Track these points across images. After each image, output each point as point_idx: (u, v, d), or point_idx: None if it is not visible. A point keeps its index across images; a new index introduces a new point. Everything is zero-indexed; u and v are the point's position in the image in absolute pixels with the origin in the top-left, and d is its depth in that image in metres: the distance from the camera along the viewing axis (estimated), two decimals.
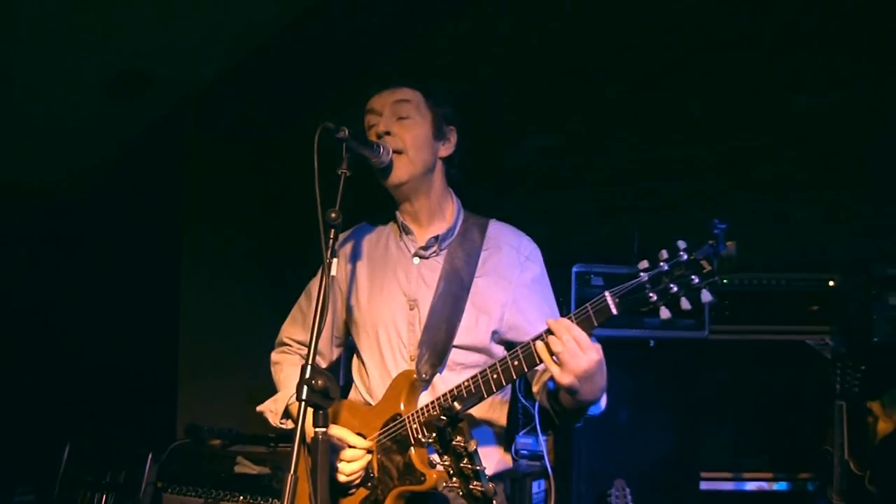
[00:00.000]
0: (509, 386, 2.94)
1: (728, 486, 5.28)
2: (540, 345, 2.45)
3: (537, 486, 4.89)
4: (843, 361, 4.81)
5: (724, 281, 5.21)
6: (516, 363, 2.53)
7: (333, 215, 2.47)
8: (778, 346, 5.23)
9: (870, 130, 5.65)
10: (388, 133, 2.87)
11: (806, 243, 5.76)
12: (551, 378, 2.50)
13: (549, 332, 2.42)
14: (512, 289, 2.95)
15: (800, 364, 5.18)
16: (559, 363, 2.40)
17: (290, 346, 3.25)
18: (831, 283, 5.25)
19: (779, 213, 5.89)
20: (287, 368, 3.17)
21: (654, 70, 6.22)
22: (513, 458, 3.10)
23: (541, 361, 2.47)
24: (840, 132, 5.73)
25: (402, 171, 2.89)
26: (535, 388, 2.95)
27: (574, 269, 4.91)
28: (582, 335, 2.38)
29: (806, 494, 5.12)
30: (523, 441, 5.07)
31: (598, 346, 2.42)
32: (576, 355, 2.37)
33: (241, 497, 4.59)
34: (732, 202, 5.96)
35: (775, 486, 5.26)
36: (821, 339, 5.10)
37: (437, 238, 2.98)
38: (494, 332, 2.91)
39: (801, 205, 5.85)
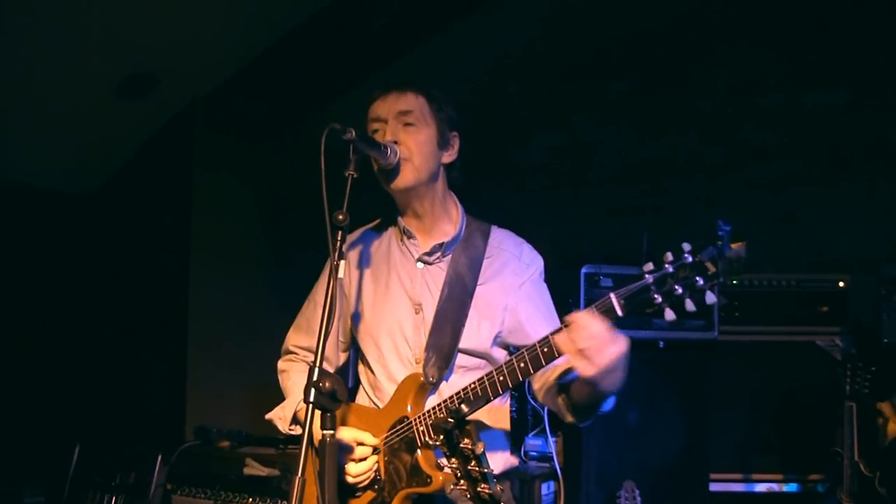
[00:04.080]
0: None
1: (738, 487, 5.25)
2: (561, 338, 2.43)
3: (546, 488, 4.88)
4: (852, 362, 4.78)
5: (734, 282, 5.20)
6: (522, 365, 2.53)
7: (341, 217, 2.46)
8: (787, 347, 5.21)
9: (880, 128, 5.64)
10: (394, 142, 2.86)
11: (816, 243, 5.74)
12: (561, 375, 2.50)
13: (567, 325, 2.40)
14: (513, 294, 2.98)
15: (809, 365, 5.15)
16: (585, 356, 2.38)
17: (295, 353, 3.25)
18: (841, 284, 5.22)
19: (788, 212, 5.87)
20: (294, 375, 3.17)
21: (663, 67, 6.21)
22: (519, 459, 3.09)
23: (557, 356, 2.47)
24: (850, 130, 5.71)
25: (407, 177, 2.89)
26: (536, 386, 2.95)
27: (583, 271, 4.89)
28: (606, 327, 2.37)
29: (816, 496, 5.09)
30: (532, 442, 5.07)
31: (623, 339, 2.40)
32: (602, 348, 2.35)
33: (250, 499, 4.60)
34: (742, 201, 5.95)
35: (785, 488, 5.24)
36: (830, 340, 5.08)
37: (441, 245, 3.00)
38: (496, 336, 2.93)
39: (811, 204, 5.83)
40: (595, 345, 2.34)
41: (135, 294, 6.17)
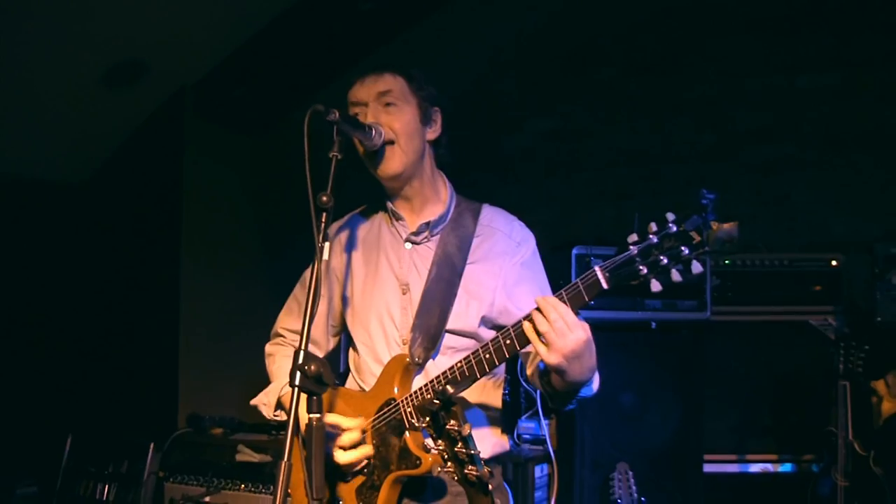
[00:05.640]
0: (502, 368, 2.97)
1: (732, 468, 5.26)
2: (527, 324, 2.43)
3: (540, 471, 4.88)
4: (846, 341, 4.78)
5: (727, 262, 5.20)
6: (508, 342, 2.51)
7: (325, 199, 2.45)
8: (781, 327, 5.21)
9: (871, 110, 5.64)
10: (378, 123, 2.84)
11: (809, 223, 5.75)
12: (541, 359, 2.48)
13: (538, 310, 2.39)
14: (503, 274, 2.93)
15: (803, 345, 5.16)
16: (546, 343, 2.37)
17: (284, 337, 3.23)
18: (834, 263, 5.22)
19: (781, 193, 5.88)
20: (279, 360, 3.14)
21: (656, 53, 6.21)
22: (512, 442, 3.07)
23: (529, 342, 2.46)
24: (842, 112, 5.72)
25: (394, 163, 2.87)
26: (528, 371, 2.92)
27: (574, 252, 4.87)
28: (569, 313, 2.35)
29: (810, 476, 5.09)
30: (526, 425, 5.06)
31: (586, 325, 2.39)
32: (563, 334, 2.34)
33: (243, 485, 4.60)
34: (735, 183, 5.95)
35: (780, 468, 5.24)
36: (824, 320, 5.07)
37: (428, 224, 2.96)
38: (484, 318, 2.89)
39: (804, 185, 5.84)
40: (556, 329, 2.34)
41: (126, 283, 6.14)
